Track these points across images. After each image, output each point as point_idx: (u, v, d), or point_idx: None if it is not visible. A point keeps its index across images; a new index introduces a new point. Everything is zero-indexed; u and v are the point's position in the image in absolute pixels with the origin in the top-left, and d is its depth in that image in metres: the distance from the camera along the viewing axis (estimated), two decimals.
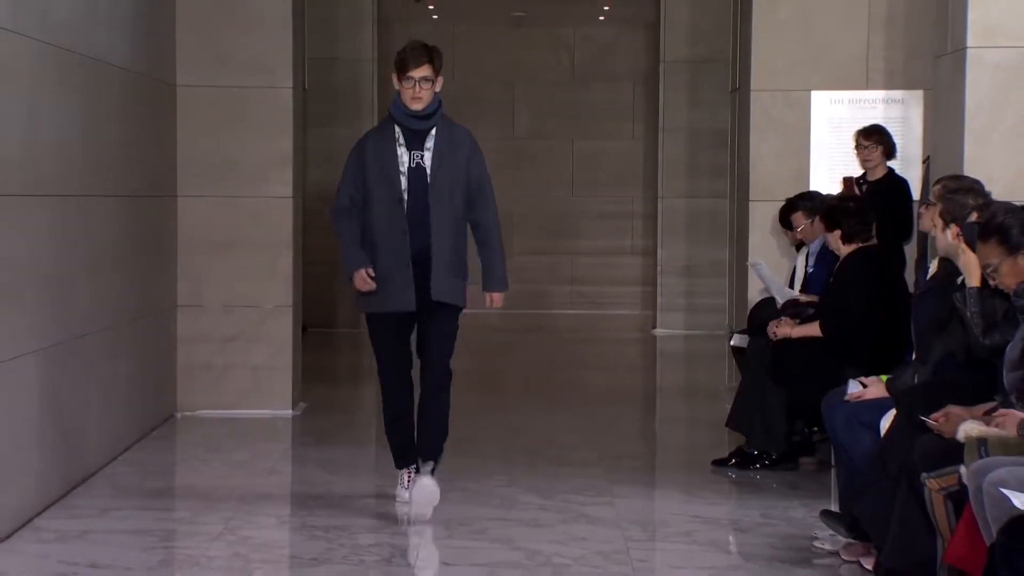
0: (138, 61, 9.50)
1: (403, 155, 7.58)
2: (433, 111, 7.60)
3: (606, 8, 18.52)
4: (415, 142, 7.59)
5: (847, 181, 10.27)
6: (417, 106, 7.53)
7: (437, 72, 7.58)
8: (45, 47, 7.59)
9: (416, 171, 7.56)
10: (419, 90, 7.50)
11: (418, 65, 7.50)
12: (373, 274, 7.54)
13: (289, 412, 10.68)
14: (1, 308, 6.97)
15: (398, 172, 7.56)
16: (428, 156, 7.58)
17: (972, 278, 6.42)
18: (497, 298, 7.80)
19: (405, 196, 7.53)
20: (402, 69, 7.52)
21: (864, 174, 10.17)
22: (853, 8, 10.89)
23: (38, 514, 7.49)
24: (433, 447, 7.74)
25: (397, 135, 7.59)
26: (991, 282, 6.25)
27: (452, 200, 7.58)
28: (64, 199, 7.95)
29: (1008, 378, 6.00)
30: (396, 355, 7.77)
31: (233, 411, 10.56)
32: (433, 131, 7.60)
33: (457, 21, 18.84)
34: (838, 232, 8.63)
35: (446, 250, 7.56)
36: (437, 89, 7.59)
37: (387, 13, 17.75)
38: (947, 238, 6.86)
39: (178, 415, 10.54)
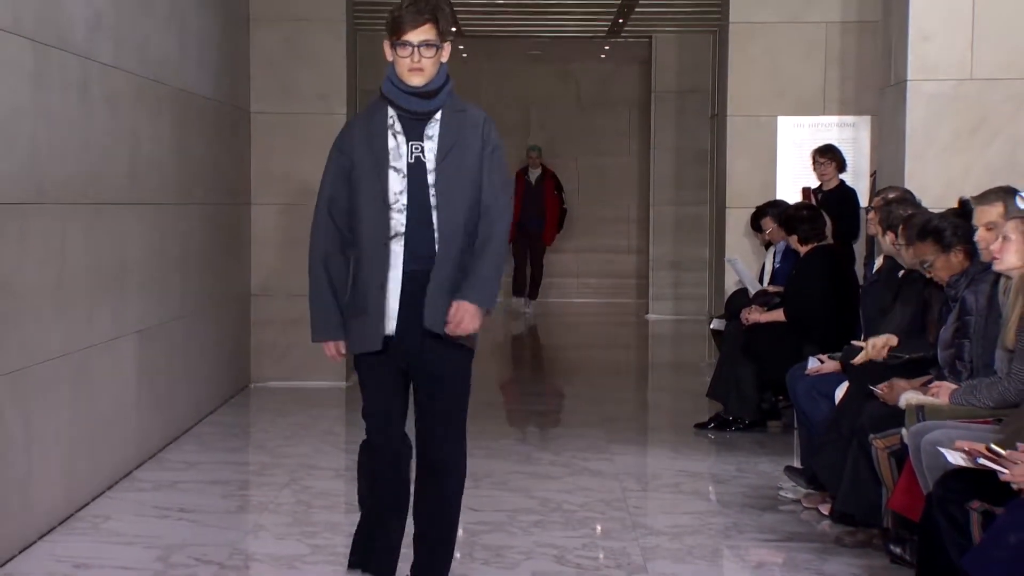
0: (219, 92, 9.51)
1: (399, 145, 4.90)
2: (438, 87, 4.92)
3: (607, 48, 18.48)
4: (414, 129, 4.92)
5: (805, 191, 10.26)
6: (416, 80, 4.86)
7: (443, 36, 4.90)
8: (144, 81, 7.61)
9: (415, 167, 4.89)
10: (418, 58, 4.84)
11: (417, 25, 4.85)
12: (344, 350, 4.99)
13: (343, 383, 10.67)
14: (108, 297, 6.99)
15: (387, 168, 4.87)
16: (430, 146, 4.91)
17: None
18: (466, 311, 4.86)
19: (402, 199, 4.87)
20: (396, 31, 4.87)
21: (820, 185, 10.15)
22: (812, 48, 10.86)
23: (137, 467, 7.52)
24: (433, 569, 5.12)
25: (391, 120, 4.91)
26: (927, 275, 6.24)
27: (462, 204, 4.91)
28: (159, 207, 7.97)
29: (941, 356, 6.00)
30: (385, 401, 5.03)
31: (296, 382, 10.57)
32: (438, 115, 4.93)
33: (483, 58, 18.81)
34: (795, 237, 8.68)
35: (449, 267, 4.88)
36: (443, 59, 4.93)
37: None
38: (886, 242, 6.90)
39: (252, 385, 10.56)
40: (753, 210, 10.31)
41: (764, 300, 9.11)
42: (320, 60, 10.59)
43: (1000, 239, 5.38)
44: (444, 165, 4.89)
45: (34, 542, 6.01)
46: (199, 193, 8.93)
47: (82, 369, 6.62)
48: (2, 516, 5.65)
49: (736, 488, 7.33)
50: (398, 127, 4.92)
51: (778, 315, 8.67)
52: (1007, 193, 5.71)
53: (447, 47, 4.93)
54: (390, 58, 4.91)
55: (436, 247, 4.88)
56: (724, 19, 11.45)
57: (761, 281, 9.85)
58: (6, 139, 5.65)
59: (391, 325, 4.91)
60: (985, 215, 5.66)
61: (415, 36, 4.85)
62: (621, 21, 16.05)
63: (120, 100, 7.20)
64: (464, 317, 4.86)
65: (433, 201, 4.89)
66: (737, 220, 11.01)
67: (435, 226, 4.88)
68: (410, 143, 4.91)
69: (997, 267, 5.45)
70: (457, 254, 4.89)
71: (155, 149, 7.87)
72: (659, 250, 16.70)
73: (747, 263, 10.40)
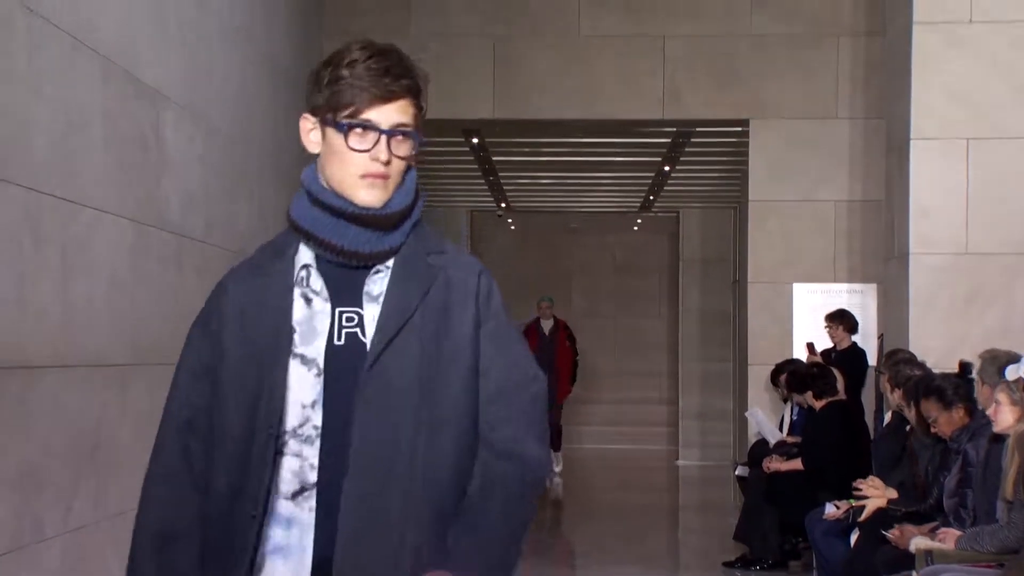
0: None
1: (314, 315, 2.34)
2: (405, 209, 2.35)
3: (639, 221, 18.66)
4: (346, 285, 2.34)
5: (809, 345, 10.25)
6: (375, 196, 2.31)
7: (420, 118, 2.36)
8: (229, 253, 7.72)
9: (347, 353, 2.30)
10: (387, 157, 2.30)
11: (389, 97, 2.30)
12: None
13: None
14: None
15: (285, 357, 2.31)
16: (371, 314, 2.32)
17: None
18: None
19: (315, 418, 2.30)
20: (345, 103, 2.30)
21: (835, 346, 10.12)
22: (822, 223, 10.92)
23: None
24: None
25: (301, 269, 2.39)
26: (932, 429, 6.22)
27: (444, 433, 2.28)
28: None
29: (947, 504, 5.95)
30: None
31: None
32: (390, 262, 2.34)
33: (529, 231, 19.02)
34: (810, 392, 8.67)
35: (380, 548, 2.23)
36: (412, 152, 2.34)
37: (477, 224, 17.97)
38: (895, 398, 6.90)
39: None
40: (772, 367, 10.28)
41: (784, 450, 9.05)
42: None
43: (994, 404, 5.41)
44: (394, 353, 2.29)
45: None
46: None
47: None
48: None
49: None
50: (315, 282, 2.35)
51: (797, 464, 8.60)
52: (1006, 362, 5.72)
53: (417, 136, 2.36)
54: (315, 149, 2.36)
55: (338, 524, 2.25)
56: (743, 197, 11.55)
57: (781, 431, 9.78)
58: (110, 309, 5.74)
59: None
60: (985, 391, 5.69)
61: (385, 116, 2.31)
62: (652, 198, 16.22)
63: (209, 270, 7.29)
64: None
65: (356, 425, 2.27)
66: (758, 376, 10.97)
67: (347, 474, 2.26)
68: (337, 310, 2.33)
69: (996, 429, 5.46)
70: (432, 538, 2.27)
71: None
72: (687, 402, 16.64)
73: (767, 415, 10.34)
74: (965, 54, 7.75)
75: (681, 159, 13.35)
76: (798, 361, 10.06)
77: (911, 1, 7.80)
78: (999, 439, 5.52)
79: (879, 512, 6.50)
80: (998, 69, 7.74)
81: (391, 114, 2.32)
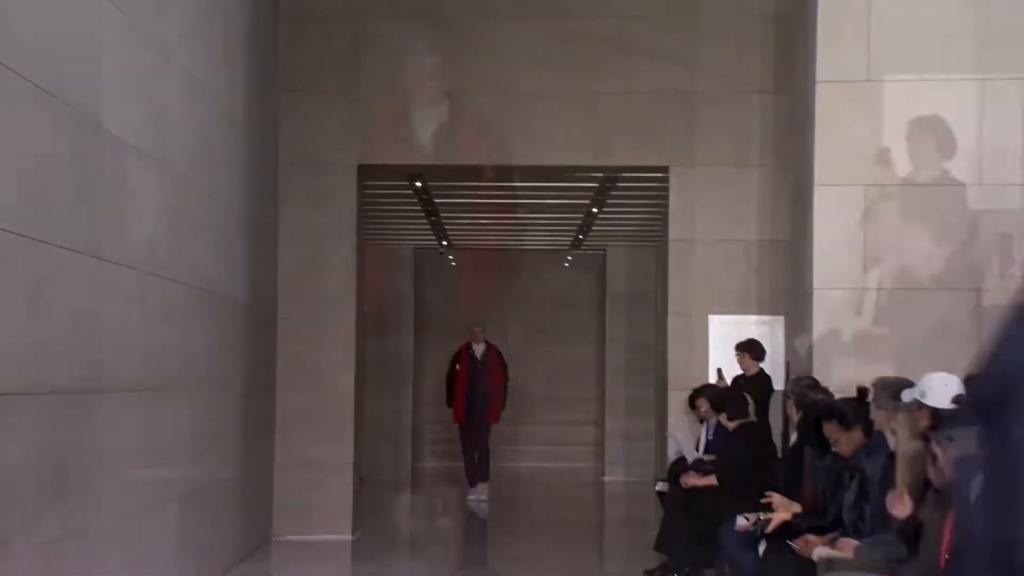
0: (257, 301, 9.59)
1: None
2: None
3: (569, 258, 18.73)
4: None
5: (718, 371, 10.33)
6: None
7: None
8: (194, 290, 7.68)
9: None
10: None
11: None
12: None
13: (349, 537, 10.56)
14: (156, 467, 6.96)
15: None
16: None
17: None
18: None
19: None
20: None
21: (744, 372, 10.19)
22: (735, 261, 11.02)
23: None
24: None
25: None
26: (833, 449, 6.28)
27: None
28: (203, 393, 7.98)
29: (846, 517, 6.01)
30: None
31: (311, 536, 10.43)
32: None
33: (471, 267, 19.04)
34: (724, 414, 8.73)
35: None
36: None
37: (420, 261, 17.96)
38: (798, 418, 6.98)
39: (273, 539, 10.42)
40: (690, 392, 10.35)
41: (700, 467, 9.10)
42: (332, 273, 10.68)
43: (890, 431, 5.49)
44: None
45: None
46: (236, 382, 8.94)
47: (133, 528, 6.56)
48: None
49: None
50: None
51: (712, 480, 8.66)
52: (896, 388, 5.80)
53: None
54: None
55: None
56: (664, 237, 11.65)
57: (697, 450, 9.84)
58: (76, 340, 5.69)
59: None
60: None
61: None
62: (581, 237, 16.30)
63: (175, 308, 7.24)
64: None
65: None
66: (677, 400, 11.03)
67: None
68: None
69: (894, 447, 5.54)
70: None
71: (202, 345, 7.90)
72: (613, 423, 16.70)
73: (685, 435, 10.40)
74: (863, 109, 7.89)
75: (608, 202, 13.44)
76: (713, 386, 10.14)
77: (814, 62, 7.94)
78: (894, 456, 5.60)
79: (785, 524, 6.56)
80: (892, 122, 7.89)
81: None
